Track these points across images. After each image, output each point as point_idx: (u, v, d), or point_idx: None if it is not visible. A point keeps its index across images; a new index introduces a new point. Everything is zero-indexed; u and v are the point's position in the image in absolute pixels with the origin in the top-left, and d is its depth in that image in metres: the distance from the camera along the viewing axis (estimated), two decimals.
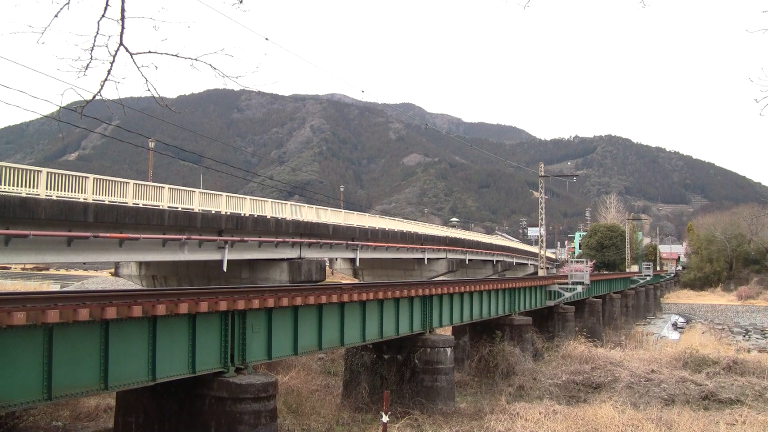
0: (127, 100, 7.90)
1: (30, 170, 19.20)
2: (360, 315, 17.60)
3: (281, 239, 29.27)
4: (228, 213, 26.83)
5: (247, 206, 28.52)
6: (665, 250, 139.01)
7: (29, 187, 18.84)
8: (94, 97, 6.69)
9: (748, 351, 36.21)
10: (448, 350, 20.73)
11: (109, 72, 6.62)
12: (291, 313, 14.93)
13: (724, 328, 55.50)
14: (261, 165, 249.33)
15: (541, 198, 46.79)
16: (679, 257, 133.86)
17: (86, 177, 21.00)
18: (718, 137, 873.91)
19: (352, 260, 41.33)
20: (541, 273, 47.49)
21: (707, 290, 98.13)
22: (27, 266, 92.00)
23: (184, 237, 23.76)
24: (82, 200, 20.28)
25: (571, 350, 30.58)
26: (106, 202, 21.27)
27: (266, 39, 18.18)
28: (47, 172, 19.56)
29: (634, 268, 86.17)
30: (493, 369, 26.29)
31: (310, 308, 15.50)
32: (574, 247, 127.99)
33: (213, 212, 26.33)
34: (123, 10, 6.46)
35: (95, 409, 18.13)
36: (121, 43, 6.56)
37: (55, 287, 58.66)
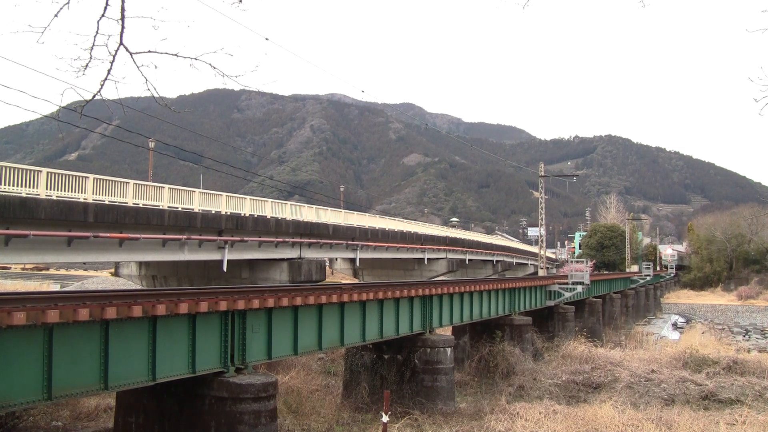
0: (127, 100, 7.90)
1: (30, 170, 19.19)
2: (360, 315, 17.60)
3: (281, 239, 29.26)
4: (228, 213, 26.82)
5: (247, 206, 28.52)
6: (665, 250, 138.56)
7: (29, 187, 18.83)
8: (93, 96, 6.68)
9: (748, 351, 36.22)
10: (448, 350, 20.73)
11: (109, 71, 6.61)
12: (291, 313, 14.93)
13: (724, 328, 55.49)
14: (261, 165, 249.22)
15: (541, 198, 46.79)
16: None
17: (86, 177, 20.99)
18: (718, 137, 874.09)
19: (352, 260, 41.32)
20: (541, 273, 47.48)
21: (707, 290, 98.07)
22: (27, 266, 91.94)
23: (184, 237, 23.75)
24: (82, 200, 20.26)
25: (571, 350, 30.58)
26: (106, 202, 21.26)
27: (266, 39, 18.19)
28: (47, 172, 19.55)
29: (634, 268, 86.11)
30: (493, 369, 26.30)
31: (310, 308, 15.49)
32: (574, 247, 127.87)
33: (213, 212, 26.32)
34: (123, 10, 6.46)
35: (95, 409, 18.13)
36: (121, 43, 6.56)
37: (55, 287, 58.65)
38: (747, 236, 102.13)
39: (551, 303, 36.35)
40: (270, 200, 31.44)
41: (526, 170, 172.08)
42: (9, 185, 18.28)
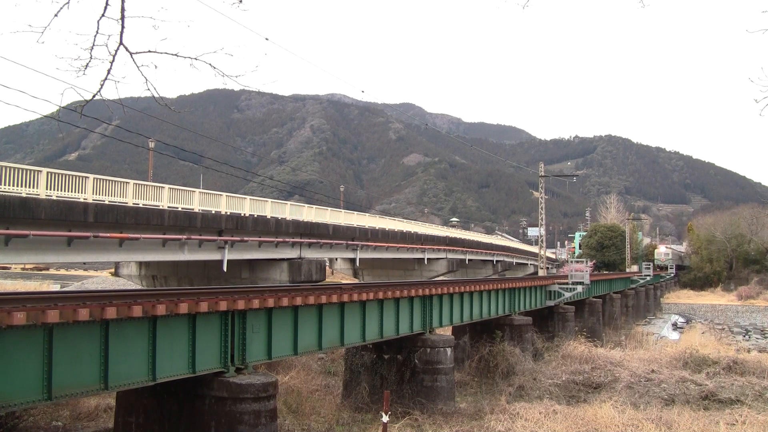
0: (127, 99, 7.90)
1: (30, 170, 19.19)
2: (360, 315, 17.60)
3: (281, 239, 29.26)
4: (228, 213, 26.82)
5: (247, 206, 28.51)
6: None
7: (29, 187, 18.82)
8: (93, 96, 6.68)
9: (748, 351, 36.20)
10: (448, 350, 20.73)
11: (108, 71, 6.61)
12: (291, 313, 14.93)
13: (724, 328, 55.47)
14: (261, 165, 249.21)
15: (541, 198, 46.79)
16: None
17: (86, 177, 20.99)
18: (718, 137, 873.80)
19: (352, 260, 41.31)
20: (541, 273, 47.47)
21: (707, 290, 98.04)
22: (27, 266, 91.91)
23: (184, 237, 23.75)
24: (82, 200, 20.26)
25: (571, 350, 30.58)
26: (106, 202, 21.25)
27: (266, 39, 18.20)
28: (47, 172, 19.54)
29: (634, 268, 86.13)
30: (493, 369, 26.29)
31: (310, 308, 15.49)
32: (574, 247, 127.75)
33: (213, 212, 26.32)
34: (123, 10, 6.46)
35: (95, 409, 18.13)
36: (120, 43, 6.56)
37: (55, 287, 58.62)
38: (747, 236, 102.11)
39: (551, 303, 36.35)
40: (270, 200, 31.44)
41: (526, 170, 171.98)
42: (9, 185, 18.28)
